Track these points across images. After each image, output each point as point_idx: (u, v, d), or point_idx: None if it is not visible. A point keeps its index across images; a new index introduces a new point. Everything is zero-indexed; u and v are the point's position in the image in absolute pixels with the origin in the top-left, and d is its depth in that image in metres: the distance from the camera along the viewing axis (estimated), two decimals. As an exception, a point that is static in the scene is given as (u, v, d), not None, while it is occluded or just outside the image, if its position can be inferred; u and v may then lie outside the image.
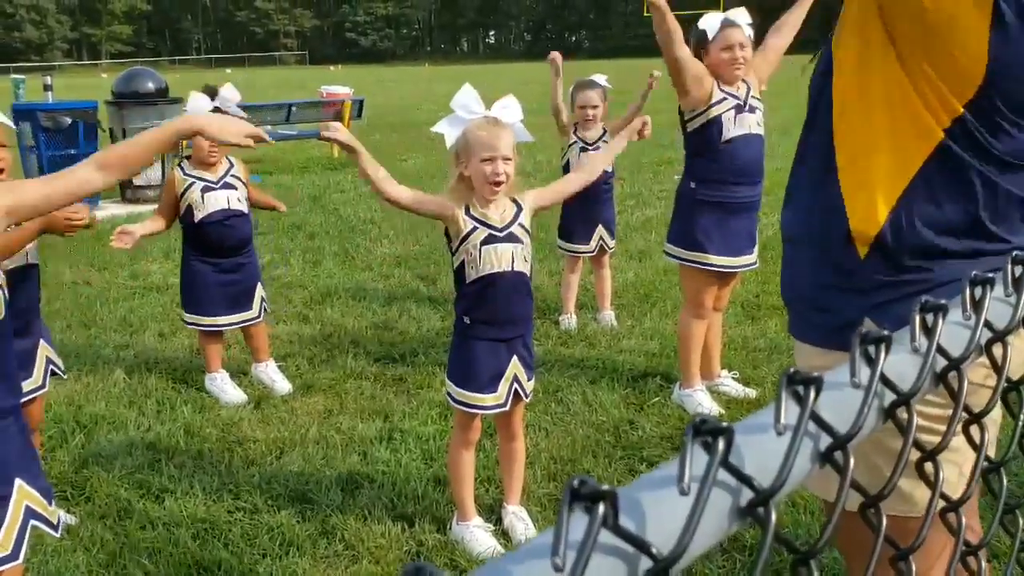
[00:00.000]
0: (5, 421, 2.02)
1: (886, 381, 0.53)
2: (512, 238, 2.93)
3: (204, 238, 4.28)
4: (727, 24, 3.94)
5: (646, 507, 0.42)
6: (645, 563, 0.40)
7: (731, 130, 3.97)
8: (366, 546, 3.10)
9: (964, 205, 1.52)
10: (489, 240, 2.90)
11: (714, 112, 3.96)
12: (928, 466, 0.61)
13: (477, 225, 2.90)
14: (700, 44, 4.03)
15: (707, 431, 0.41)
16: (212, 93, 4.22)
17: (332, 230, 8.29)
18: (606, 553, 0.40)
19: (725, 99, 3.96)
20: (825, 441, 0.51)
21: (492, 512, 3.29)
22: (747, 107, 3.99)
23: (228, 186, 4.30)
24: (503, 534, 3.18)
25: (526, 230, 2.98)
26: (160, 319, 5.62)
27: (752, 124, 4.01)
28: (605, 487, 0.36)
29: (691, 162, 4.11)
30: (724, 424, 0.42)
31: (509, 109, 2.95)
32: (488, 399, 2.97)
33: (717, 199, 4.05)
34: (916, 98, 1.49)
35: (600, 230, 5.36)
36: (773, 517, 0.44)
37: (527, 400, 3.11)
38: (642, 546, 0.39)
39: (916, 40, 1.46)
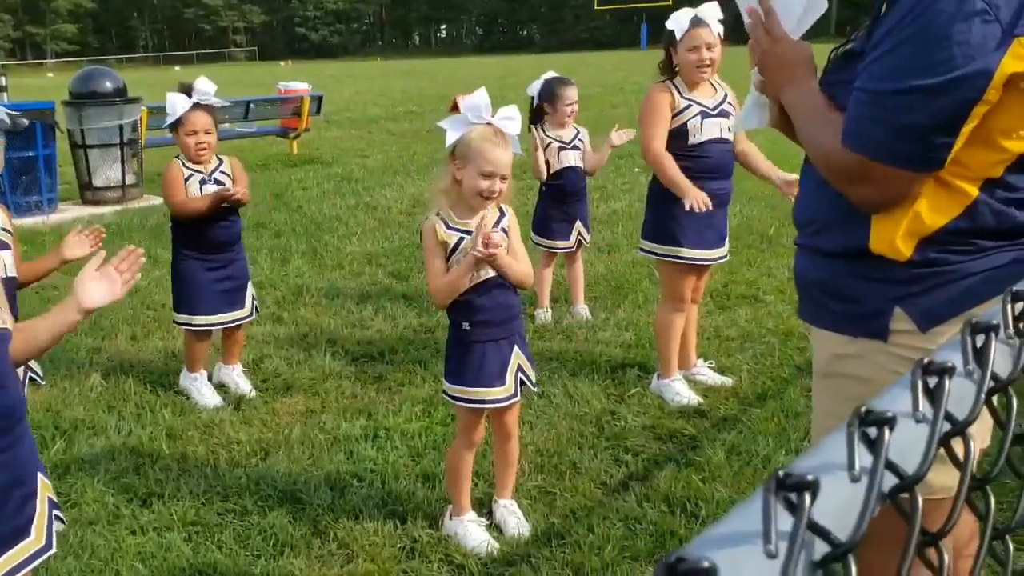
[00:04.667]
0: (24, 421, 2.05)
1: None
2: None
3: (199, 233, 4.24)
4: (696, 23, 3.97)
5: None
6: (820, 548, 0.44)
7: (697, 136, 4.04)
8: (360, 544, 3.11)
9: (1000, 219, 1.57)
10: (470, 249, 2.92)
11: (678, 121, 4.03)
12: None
13: (463, 236, 2.93)
14: (670, 43, 4.07)
15: (871, 422, 0.44)
16: (188, 90, 4.19)
17: (298, 228, 8.24)
18: (784, 539, 0.43)
19: (690, 106, 4.03)
20: (946, 426, 0.54)
21: (482, 506, 3.32)
22: (716, 112, 4.05)
23: (217, 182, 4.28)
24: (495, 527, 3.22)
25: (506, 233, 3.00)
26: (131, 322, 5.56)
27: (721, 129, 4.08)
28: (809, 477, 0.39)
29: None
30: (888, 414, 0.44)
31: (513, 121, 2.92)
32: (498, 392, 3.02)
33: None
34: (953, 171, 1.55)
35: (578, 225, 5.41)
36: (920, 501, 0.47)
37: (535, 389, 3.18)
38: (823, 533, 0.43)
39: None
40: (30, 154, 8.66)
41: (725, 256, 4.36)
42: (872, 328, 1.64)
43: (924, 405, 0.51)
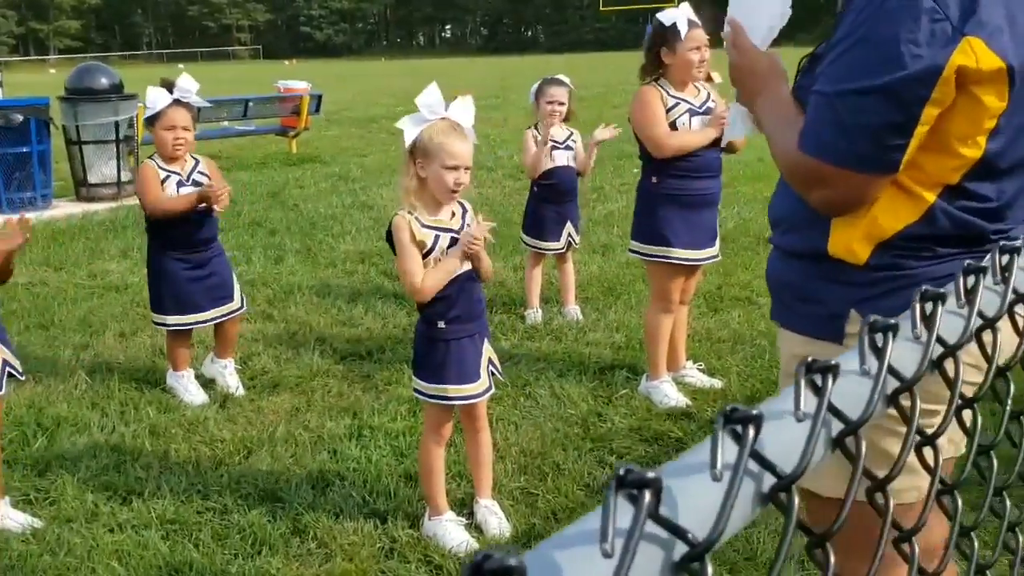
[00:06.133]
0: None
1: (890, 369, 0.55)
2: None
3: (174, 233, 4.21)
4: (692, 24, 3.97)
5: (677, 494, 0.43)
6: (680, 548, 0.42)
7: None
8: (339, 543, 3.09)
9: (957, 225, 1.56)
10: (453, 243, 2.96)
11: (668, 119, 4.02)
12: (927, 451, 0.63)
13: (439, 233, 2.94)
14: (664, 41, 4.03)
15: (738, 419, 0.43)
16: (169, 86, 4.18)
17: (293, 226, 8.23)
18: (644, 539, 0.41)
19: (678, 104, 4.02)
20: (836, 427, 0.53)
21: (464, 506, 3.30)
22: (702, 110, 4.05)
23: (197, 183, 4.25)
24: (476, 528, 3.20)
25: (470, 227, 3.04)
26: (120, 319, 5.54)
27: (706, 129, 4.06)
28: (651, 474, 0.37)
29: (651, 158, 4.14)
30: (754, 412, 0.43)
31: (466, 112, 2.96)
32: (476, 387, 3.04)
33: (678, 193, 4.10)
34: (910, 176, 1.54)
35: (568, 227, 5.39)
36: (796, 502, 0.46)
37: (502, 379, 3.23)
38: (678, 532, 0.41)
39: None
40: (24, 150, 8.65)
41: (716, 256, 4.34)
42: (830, 330, 1.64)
43: (806, 404, 0.49)
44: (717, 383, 4.46)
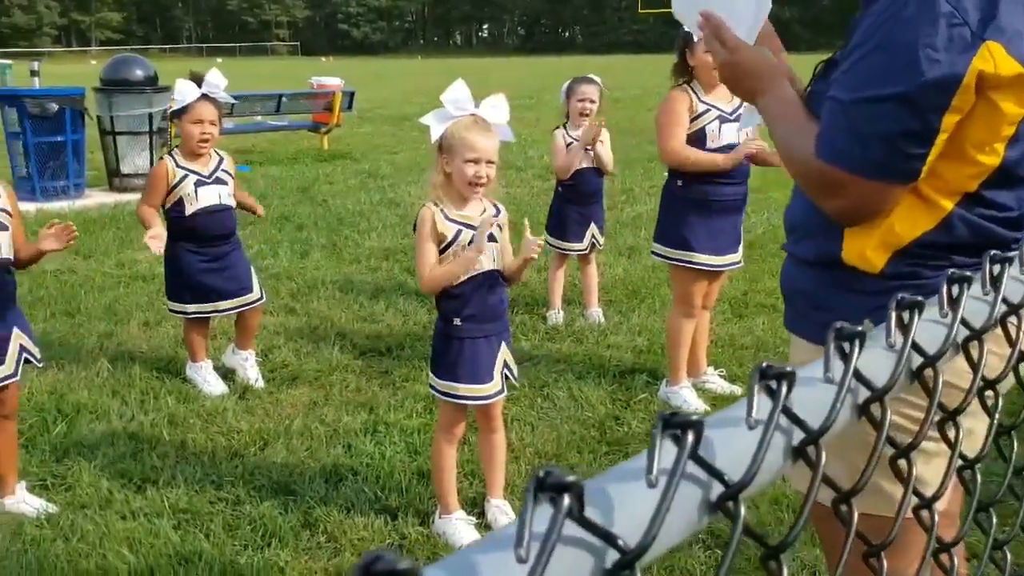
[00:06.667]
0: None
1: (860, 377, 0.53)
2: (492, 238, 2.99)
3: (193, 229, 4.24)
4: None
5: (614, 499, 0.42)
6: (612, 555, 0.40)
7: (715, 141, 4.01)
8: (348, 538, 3.09)
9: (976, 233, 1.53)
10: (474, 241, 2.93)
11: (697, 125, 3.99)
12: (901, 463, 0.61)
13: (461, 228, 2.94)
14: (687, 43, 4.02)
15: (676, 424, 0.41)
16: (198, 80, 4.20)
17: (320, 222, 8.26)
18: (572, 545, 0.39)
19: (708, 111, 3.99)
20: (799, 436, 0.51)
21: (475, 505, 3.29)
22: (733, 117, 4.01)
23: (220, 181, 4.27)
24: (486, 527, 3.19)
25: (501, 229, 3.05)
26: (146, 308, 5.59)
27: (738, 133, 4.02)
28: (571, 478, 0.36)
29: None
30: (694, 418, 0.41)
31: (498, 109, 2.98)
32: (487, 388, 3.03)
33: (703, 198, 4.07)
34: (927, 183, 1.51)
35: (592, 228, 5.36)
36: (743, 511, 0.44)
37: (516, 383, 3.23)
38: (608, 538, 0.39)
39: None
40: (58, 139, 8.76)
41: (739, 263, 4.30)
42: None
43: (760, 410, 0.47)
44: (737, 390, 4.42)
